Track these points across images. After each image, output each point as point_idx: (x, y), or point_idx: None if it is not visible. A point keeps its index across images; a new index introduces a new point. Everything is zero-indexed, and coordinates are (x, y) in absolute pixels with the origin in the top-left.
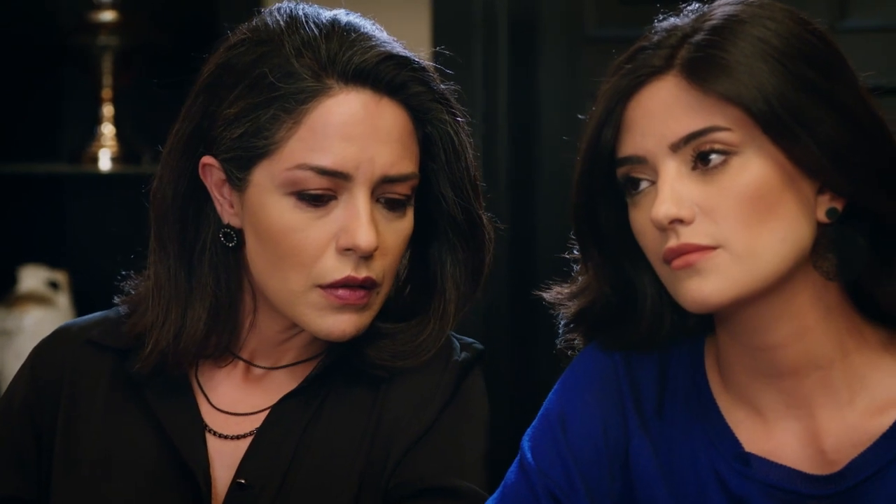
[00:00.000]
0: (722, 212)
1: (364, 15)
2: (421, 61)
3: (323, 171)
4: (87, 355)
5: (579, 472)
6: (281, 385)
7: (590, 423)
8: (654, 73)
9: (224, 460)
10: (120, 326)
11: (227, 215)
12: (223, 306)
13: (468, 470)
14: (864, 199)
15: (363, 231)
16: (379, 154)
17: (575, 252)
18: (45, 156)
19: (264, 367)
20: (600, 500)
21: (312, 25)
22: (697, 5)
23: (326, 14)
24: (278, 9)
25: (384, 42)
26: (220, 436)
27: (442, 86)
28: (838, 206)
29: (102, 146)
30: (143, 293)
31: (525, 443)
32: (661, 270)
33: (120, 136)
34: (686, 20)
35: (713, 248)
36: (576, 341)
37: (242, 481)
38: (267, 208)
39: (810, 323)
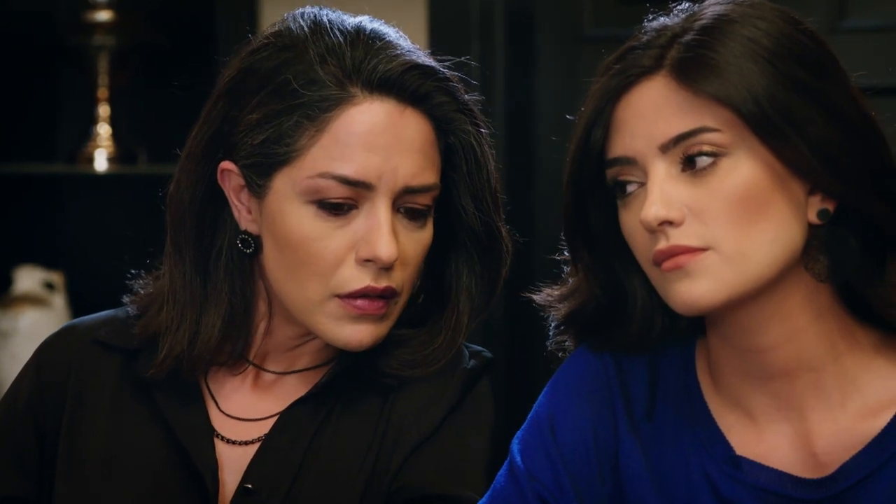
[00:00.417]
0: (712, 213)
1: (360, 13)
2: (445, 71)
3: (345, 181)
4: (93, 355)
5: (568, 474)
6: (290, 391)
7: (579, 426)
8: (644, 73)
9: (231, 465)
10: (128, 327)
11: (245, 221)
12: (238, 312)
13: (471, 479)
14: (856, 201)
15: (384, 242)
16: (402, 164)
17: (566, 253)
18: (41, 156)
19: (275, 372)
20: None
21: (337, 32)
22: (688, 5)
23: (351, 20)
24: (302, 14)
25: (409, 51)
26: (229, 441)
27: (466, 96)
28: (830, 207)
29: (98, 146)
30: (154, 294)
31: (514, 446)
32: (652, 273)
33: (116, 136)
34: (676, 20)
35: (703, 249)
36: (566, 343)
37: (249, 486)
38: (287, 216)
39: (802, 325)
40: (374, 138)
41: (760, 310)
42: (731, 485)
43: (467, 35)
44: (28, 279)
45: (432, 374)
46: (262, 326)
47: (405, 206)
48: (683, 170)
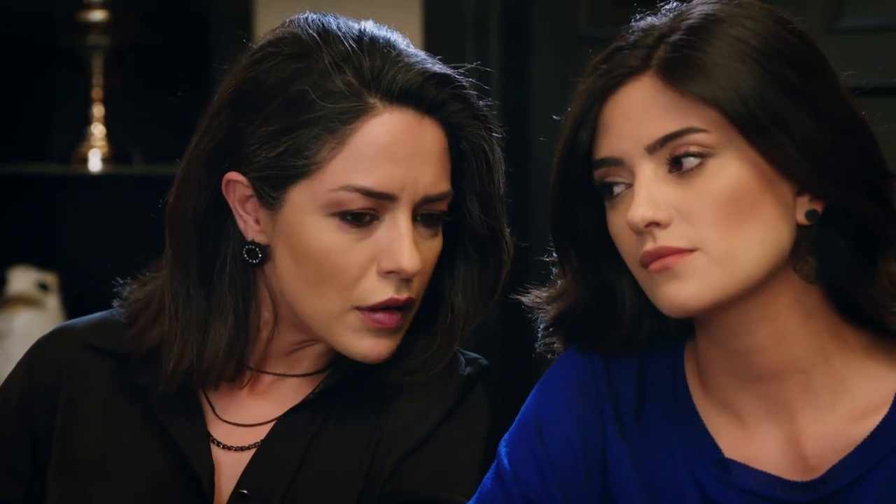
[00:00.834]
0: (699, 214)
1: (355, 14)
2: (460, 77)
3: (368, 193)
4: (86, 357)
5: (556, 477)
6: (287, 396)
7: (567, 429)
8: (631, 73)
9: (228, 470)
10: (121, 331)
11: (252, 232)
12: (242, 324)
13: (464, 485)
14: (845, 201)
15: (407, 253)
16: (422, 174)
17: (554, 255)
18: (35, 156)
19: (274, 374)
20: None
21: (350, 40)
22: (675, 4)
23: (356, 26)
24: (307, 20)
25: (423, 59)
26: (225, 447)
27: (479, 101)
28: (818, 207)
29: (93, 146)
30: (143, 301)
31: (502, 448)
32: (639, 274)
33: (110, 136)
34: (663, 19)
35: (690, 251)
36: (555, 345)
37: (245, 491)
38: (307, 229)
39: (790, 326)
40: (395, 149)
41: (749, 311)
42: (720, 487)
43: (462, 35)
44: (22, 280)
45: (430, 378)
46: (264, 334)
47: (422, 213)
48: (670, 171)
